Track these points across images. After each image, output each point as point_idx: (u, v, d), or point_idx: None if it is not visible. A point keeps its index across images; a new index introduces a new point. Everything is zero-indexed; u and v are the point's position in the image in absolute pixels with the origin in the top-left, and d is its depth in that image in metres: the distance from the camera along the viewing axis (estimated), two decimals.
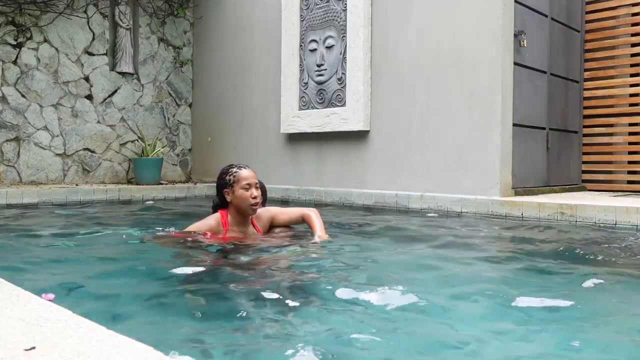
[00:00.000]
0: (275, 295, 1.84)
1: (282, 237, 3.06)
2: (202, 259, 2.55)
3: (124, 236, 3.34)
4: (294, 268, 2.43)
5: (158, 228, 3.49)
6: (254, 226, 3.07)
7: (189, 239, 2.87)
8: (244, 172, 2.91)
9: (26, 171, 6.34)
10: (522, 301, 1.96)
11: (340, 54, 5.57)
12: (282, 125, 6.14)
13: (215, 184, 3.05)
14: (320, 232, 3.05)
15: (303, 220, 3.17)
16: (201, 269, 2.31)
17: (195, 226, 2.97)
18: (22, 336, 1.05)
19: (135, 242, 3.10)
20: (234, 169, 2.94)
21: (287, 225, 3.21)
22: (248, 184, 2.88)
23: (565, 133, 5.58)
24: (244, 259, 2.55)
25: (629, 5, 5.42)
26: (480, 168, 4.60)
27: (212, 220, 2.97)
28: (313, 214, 3.17)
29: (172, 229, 3.35)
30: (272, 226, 3.16)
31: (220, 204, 3.00)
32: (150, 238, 3.14)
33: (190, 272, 2.24)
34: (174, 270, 2.25)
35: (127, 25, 6.98)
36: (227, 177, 2.92)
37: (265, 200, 3.51)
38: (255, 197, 2.87)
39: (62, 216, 4.58)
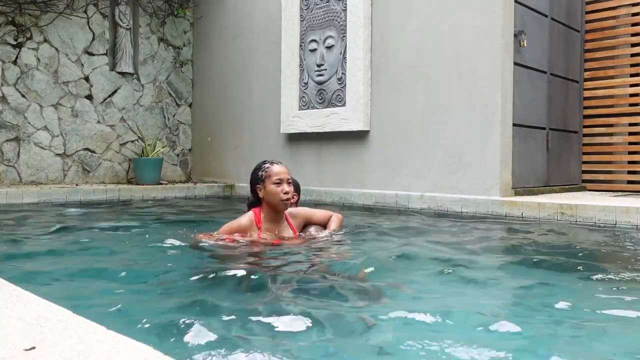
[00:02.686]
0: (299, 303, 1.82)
1: (313, 240, 3.02)
2: (230, 264, 2.53)
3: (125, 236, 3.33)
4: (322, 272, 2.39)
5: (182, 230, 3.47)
6: (289, 225, 3.06)
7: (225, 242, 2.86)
8: (276, 168, 2.93)
9: (26, 171, 6.34)
10: (522, 302, 1.96)
11: (340, 54, 5.57)
12: (282, 125, 6.14)
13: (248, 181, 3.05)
14: (333, 227, 3.12)
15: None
16: (225, 272, 2.28)
17: (228, 227, 2.94)
18: (22, 336, 1.05)
19: (151, 244, 3.07)
20: (267, 165, 2.97)
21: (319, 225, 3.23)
22: (279, 179, 2.89)
23: (565, 133, 5.57)
24: (274, 264, 2.52)
25: (629, 5, 5.42)
26: (480, 168, 4.60)
27: (245, 219, 2.96)
28: (335, 217, 3.22)
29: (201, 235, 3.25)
30: (305, 226, 3.17)
31: (255, 201, 3.01)
32: (199, 239, 3.10)
33: (214, 275, 2.22)
34: (196, 273, 2.24)
35: (127, 25, 6.98)
36: (259, 173, 2.95)
37: (298, 200, 3.53)
38: (286, 193, 2.88)
39: (67, 215, 4.58)
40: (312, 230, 3.12)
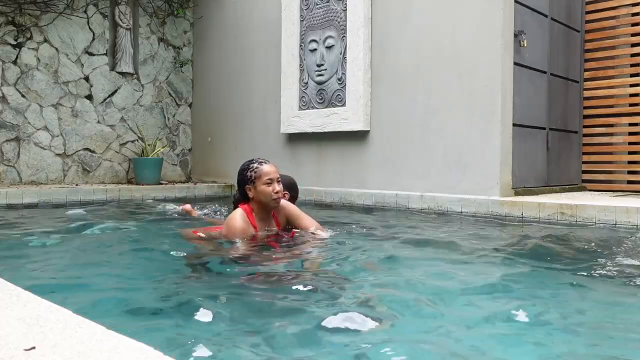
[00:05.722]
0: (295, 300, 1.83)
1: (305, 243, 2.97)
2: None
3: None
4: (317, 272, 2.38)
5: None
6: (274, 220, 3.04)
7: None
8: (265, 168, 2.91)
9: (26, 171, 6.34)
10: (522, 303, 1.96)
11: (340, 54, 5.57)
12: (282, 125, 6.14)
13: (236, 179, 3.03)
14: (319, 231, 3.03)
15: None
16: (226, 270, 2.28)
17: (227, 232, 2.87)
18: (22, 336, 1.05)
19: (152, 243, 3.06)
20: (255, 165, 2.93)
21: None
22: (270, 179, 2.87)
23: (565, 133, 5.57)
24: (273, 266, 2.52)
25: (629, 5, 5.42)
26: (480, 168, 4.59)
27: (241, 220, 2.87)
28: (318, 230, 3.07)
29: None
30: (288, 222, 3.10)
31: (242, 198, 2.99)
32: (189, 236, 3.10)
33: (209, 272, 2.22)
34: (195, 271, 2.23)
35: (127, 25, 6.98)
36: (249, 174, 2.92)
37: (296, 198, 3.52)
38: (277, 192, 2.88)
39: (67, 215, 4.57)
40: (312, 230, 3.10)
